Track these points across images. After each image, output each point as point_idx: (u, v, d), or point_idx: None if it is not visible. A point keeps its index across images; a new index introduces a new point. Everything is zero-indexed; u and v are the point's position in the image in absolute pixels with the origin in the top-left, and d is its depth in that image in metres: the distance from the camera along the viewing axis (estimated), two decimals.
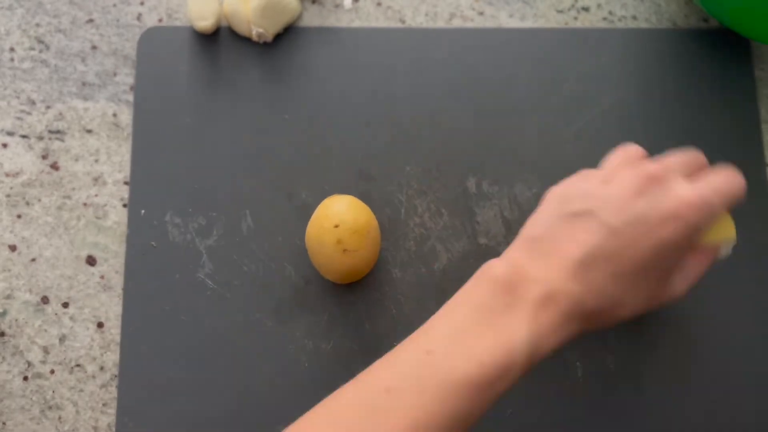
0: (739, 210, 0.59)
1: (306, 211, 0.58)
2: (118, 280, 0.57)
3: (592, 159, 0.60)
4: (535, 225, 0.47)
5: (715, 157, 0.60)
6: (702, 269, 0.50)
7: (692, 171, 0.48)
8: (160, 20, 0.62)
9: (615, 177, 0.47)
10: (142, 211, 0.58)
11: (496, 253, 0.58)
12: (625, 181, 0.46)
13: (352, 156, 0.60)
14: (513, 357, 0.42)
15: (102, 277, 0.58)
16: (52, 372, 0.56)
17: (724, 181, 0.48)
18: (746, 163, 0.60)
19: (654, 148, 0.60)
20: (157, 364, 0.55)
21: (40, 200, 0.59)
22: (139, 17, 0.63)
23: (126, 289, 0.57)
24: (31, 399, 0.55)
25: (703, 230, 0.46)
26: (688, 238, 0.45)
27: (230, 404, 0.55)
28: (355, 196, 0.57)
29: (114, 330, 0.57)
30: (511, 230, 0.58)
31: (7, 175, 0.59)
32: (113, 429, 0.55)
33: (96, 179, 0.59)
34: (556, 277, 0.44)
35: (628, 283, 0.45)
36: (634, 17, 0.64)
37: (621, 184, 0.46)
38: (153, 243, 0.58)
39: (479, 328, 0.43)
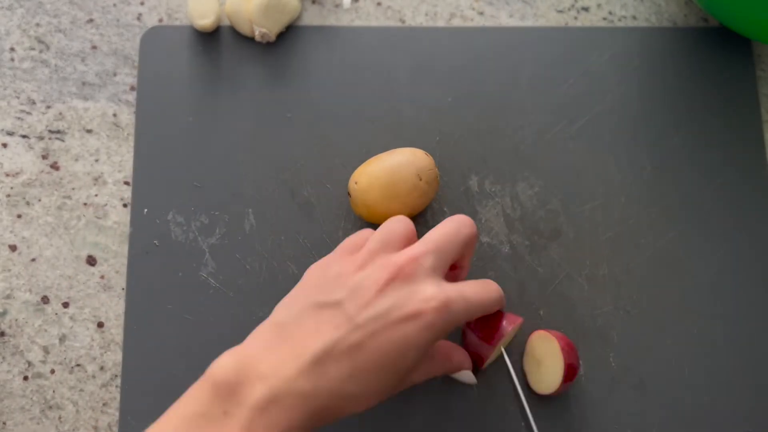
0: (740, 210, 0.59)
1: (308, 209, 0.58)
2: (118, 280, 0.57)
3: (592, 157, 0.60)
4: (284, 308, 0.47)
5: (715, 156, 0.60)
6: (440, 371, 0.50)
7: (448, 262, 0.48)
8: (161, 20, 0.62)
9: (370, 264, 0.46)
10: (145, 210, 0.58)
11: (498, 251, 0.58)
12: (375, 273, 0.45)
13: (354, 154, 0.60)
14: None
15: (102, 276, 0.57)
16: (53, 372, 0.56)
17: (477, 289, 0.48)
18: (747, 163, 0.60)
19: (654, 147, 0.61)
20: (160, 363, 0.55)
21: (40, 200, 0.59)
22: (139, 17, 0.63)
23: (129, 288, 0.57)
24: (32, 399, 0.55)
25: (446, 332, 0.46)
26: (430, 340, 0.45)
27: None
28: None
29: (114, 330, 0.57)
30: (513, 229, 0.58)
31: (7, 175, 0.59)
32: (113, 429, 0.55)
33: (96, 179, 0.59)
34: (286, 375, 0.43)
35: (365, 379, 0.44)
36: (634, 17, 0.64)
37: (372, 276, 0.45)
38: (156, 242, 0.58)
39: None
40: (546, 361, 0.53)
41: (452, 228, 0.48)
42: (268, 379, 0.42)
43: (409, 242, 0.49)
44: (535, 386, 0.54)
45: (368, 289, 0.45)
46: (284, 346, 0.44)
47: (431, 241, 0.47)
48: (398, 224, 0.49)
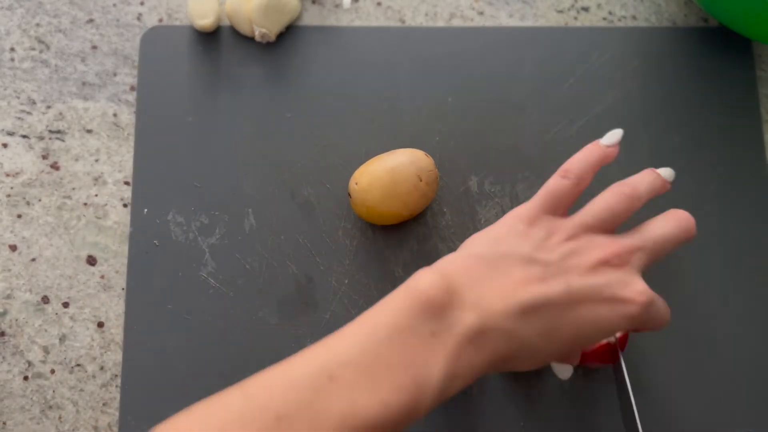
0: (741, 210, 0.59)
1: (308, 209, 0.58)
2: (118, 280, 0.57)
3: None
4: (487, 245, 0.46)
5: (716, 156, 0.61)
6: (573, 358, 0.51)
7: (654, 262, 0.48)
8: (161, 20, 0.62)
9: (582, 237, 0.47)
10: (145, 210, 0.58)
11: None
12: (590, 250, 0.46)
13: (354, 154, 0.60)
14: (422, 397, 0.40)
15: (102, 276, 0.57)
16: (53, 372, 0.56)
17: (666, 305, 0.48)
18: (747, 163, 0.60)
19: (655, 147, 0.61)
20: (160, 363, 0.55)
21: (40, 200, 0.59)
22: (139, 17, 0.63)
23: (129, 288, 0.57)
24: (32, 399, 0.55)
25: (638, 328, 0.47)
26: (621, 328, 0.46)
27: None
28: None
29: (114, 330, 0.57)
30: None
31: (7, 175, 0.59)
32: (113, 428, 0.55)
33: (96, 179, 0.59)
34: (495, 311, 0.42)
35: (556, 341, 0.44)
36: (634, 17, 0.64)
37: (586, 250, 0.46)
38: (156, 242, 0.58)
39: (393, 358, 0.40)
40: None
41: (674, 232, 0.48)
42: (478, 311, 0.42)
43: (619, 223, 0.48)
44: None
45: (582, 261, 0.45)
46: (491, 283, 0.43)
47: (650, 239, 0.47)
48: (623, 202, 0.48)
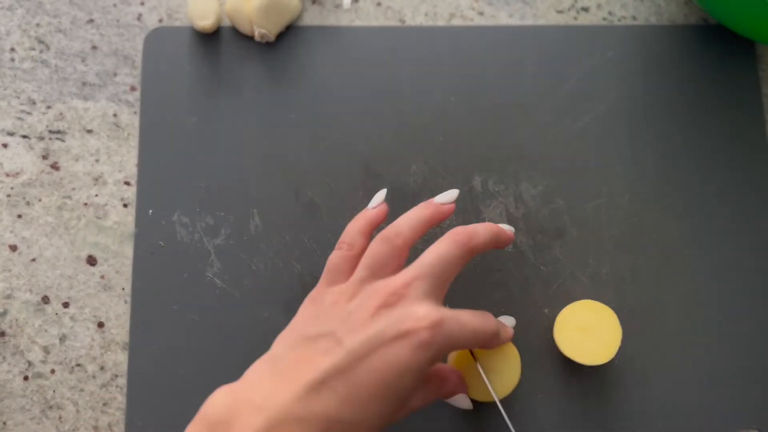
0: (744, 208, 0.59)
1: (313, 209, 0.58)
2: (118, 280, 0.57)
3: (595, 157, 0.60)
4: (280, 343, 0.47)
5: (718, 155, 0.61)
6: (437, 395, 0.50)
7: (444, 285, 0.47)
8: (161, 20, 0.62)
9: (360, 292, 0.47)
10: (150, 212, 0.58)
11: (502, 250, 0.58)
12: (366, 301, 0.46)
13: (358, 154, 0.59)
14: None
15: (102, 276, 0.57)
16: (53, 372, 0.55)
17: (472, 317, 0.47)
18: (750, 162, 0.60)
19: (657, 146, 0.61)
20: (166, 364, 0.55)
21: (40, 200, 0.58)
22: (139, 17, 0.62)
23: (134, 289, 0.57)
24: (32, 399, 0.55)
25: (440, 354, 0.45)
26: (425, 360, 0.44)
27: None
28: (361, 193, 0.58)
29: (114, 330, 0.56)
30: (517, 228, 0.58)
31: (7, 175, 0.59)
32: (113, 429, 0.54)
33: (96, 179, 0.59)
34: (282, 404, 0.42)
35: (361, 405, 0.43)
36: (634, 17, 0.64)
37: (363, 304, 0.45)
38: (161, 243, 0.57)
39: None
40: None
41: (448, 250, 0.47)
42: (264, 410, 0.42)
43: (400, 261, 0.48)
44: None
45: (360, 315, 0.45)
46: (279, 378, 0.44)
47: (426, 265, 0.47)
48: (381, 247, 0.48)
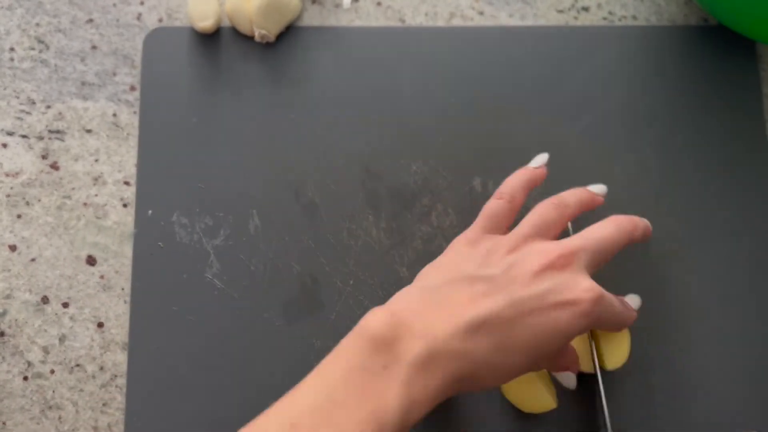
0: (745, 209, 0.59)
1: (313, 210, 0.58)
2: (118, 280, 0.57)
3: (595, 157, 0.60)
4: (433, 275, 0.48)
5: (719, 155, 0.60)
6: (560, 366, 0.51)
7: (600, 265, 0.49)
8: (160, 20, 0.62)
9: (524, 247, 0.48)
10: (149, 212, 0.58)
11: None
12: (531, 257, 0.47)
13: (358, 155, 0.59)
14: (384, 428, 0.41)
15: (102, 277, 0.57)
16: (52, 372, 0.55)
17: (621, 301, 0.50)
18: (751, 162, 0.60)
19: (657, 146, 0.61)
20: (165, 365, 0.55)
21: (40, 200, 0.58)
22: (139, 17, 0.62)
23: (133, 290, 0.57)
24: (31, 399, 0.55)
25: (592, 326, 0.47)
26: (580, 329, 0.46)
27: (238, 404, 0.54)
28: (361, 194, 0.58)
29: (114, 330, 0.56)
30: None
31: (7, 175, 0.59)
32: (113, 429, 0.54)
33: (96, 179, 0.59)
34: (442, 335, 0.43)
35: (511, 354, 0.45)
36: (634, 17, 0.64)
37: (527, 259, 0.47)
38: (160, 243, 0.57)
39: (349, 397, 0.42)
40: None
41: (613, 234, 0.49)
42: (424, 338, 0.43)
43: (557, 232, 0.50)
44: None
45: (522, 269, 0.46)
46: (438, 310, 0.45)
47: (592, 239, 0.48)
48: (552, 213, 0.50)
